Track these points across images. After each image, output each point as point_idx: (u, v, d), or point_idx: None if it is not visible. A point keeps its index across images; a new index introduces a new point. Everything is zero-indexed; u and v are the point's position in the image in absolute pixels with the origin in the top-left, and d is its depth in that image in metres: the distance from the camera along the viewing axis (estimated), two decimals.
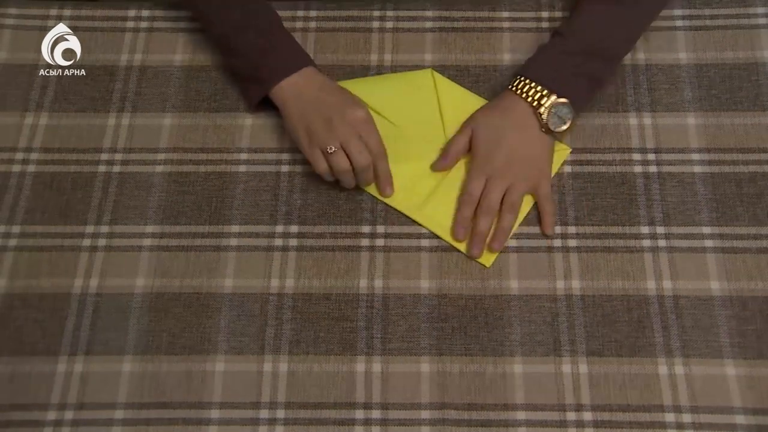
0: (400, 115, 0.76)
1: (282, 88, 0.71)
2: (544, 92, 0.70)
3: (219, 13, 0.74)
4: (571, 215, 0.72)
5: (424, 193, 0.73)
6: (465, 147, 0.73)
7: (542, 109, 0.70)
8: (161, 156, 0.75)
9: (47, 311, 0.68)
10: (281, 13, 0.81)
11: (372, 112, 0.72)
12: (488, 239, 0.70)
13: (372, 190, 0.73)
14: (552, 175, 0.72)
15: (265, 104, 0.74)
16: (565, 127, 0.70)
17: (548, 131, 0.71)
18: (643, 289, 0.68)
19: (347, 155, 0.68)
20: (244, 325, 0.68)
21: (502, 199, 0.70)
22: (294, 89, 0.71)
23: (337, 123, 0.68)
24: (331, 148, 0.68)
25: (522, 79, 0.72)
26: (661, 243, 0.70)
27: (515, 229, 0.71)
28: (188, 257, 0.71)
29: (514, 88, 0.72)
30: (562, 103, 0.70)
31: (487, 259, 0.70)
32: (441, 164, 0.73)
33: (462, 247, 0.70)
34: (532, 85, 0.70)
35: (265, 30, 0.73)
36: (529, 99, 0.70)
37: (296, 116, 0.70)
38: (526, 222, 0.71)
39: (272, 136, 0.76)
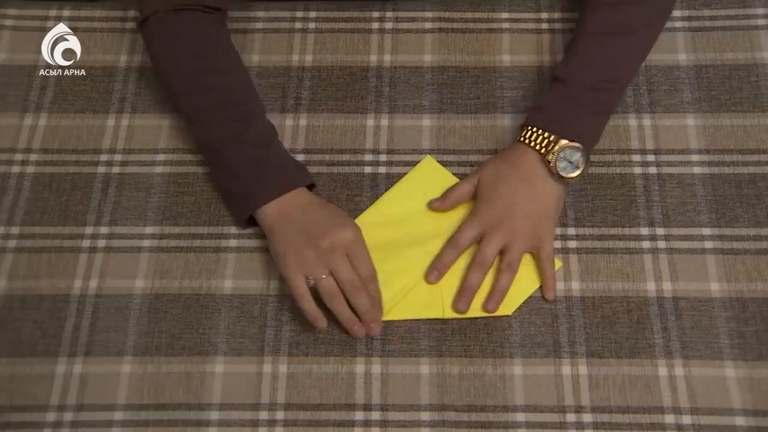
0: (403, 215, 0.72)
1: (266, 212, 0.67)
2: (551, 138, 0.66)
3: (209, 123, 0.69)
4: (570, 216, 0.72)
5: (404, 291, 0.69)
6: (468, 194, 0.70)
7: (551, 156, 0.66)
8: (160, 157, 0.75)
9: (46, 312, 0.68)
10: (281, 13, 0.82)
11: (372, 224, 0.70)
12: (485, 299, 0.67)
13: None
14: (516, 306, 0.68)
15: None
16: (577, 173, 0.66)
17: (560, 178, 0.67)
18: (643, 291, 0.68)
19: (337, 282, 0.64)
20: (244, 327, 0.68)
21: (502, 257, 0.67)
22: (278, 213, 0.67)
23: (325, 248, 0.64)
24: (314, 279, 0.64)
25: (529, 128, 0.68)
26: (661, 244, 0.70)
27: (530, 293, 0.68)
28: (188, 258, 0.71)
29: (522, 139, 0.68)
30: (573, 147, 0.66)
31: (508, 307, 0.67)
32: (438, 205, 0.70)
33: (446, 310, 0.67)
34: (539, 132, 0.67)
35: (255, 145, 0.69)
36: (538, 147, 0.67)
37: (283, 242, 0.65)
38: None
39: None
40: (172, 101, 0.74)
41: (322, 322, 0.64)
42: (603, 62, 0.69)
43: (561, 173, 0.66)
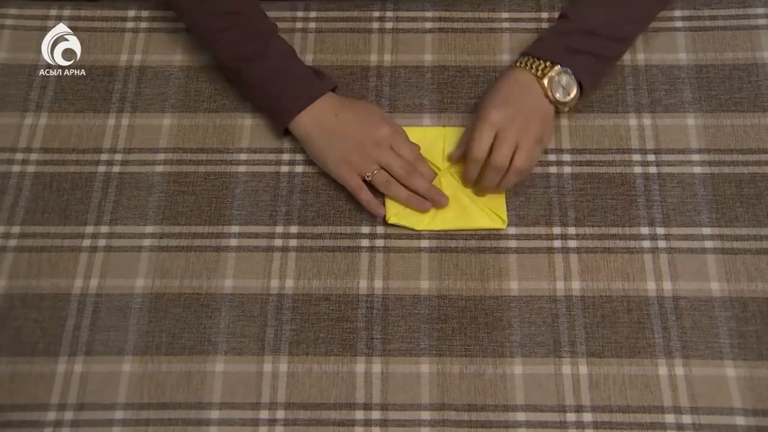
0: None
1: (298, 122, 0.71)
2: (547, 64, 0.70)
3: (228, 43, 0.73)
4: (571, 216, 0.72)
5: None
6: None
7: (545, 79, 0.69)
8: (161, 156, 0.75)
9: (47, 311, 0.68)
10: (281, 14, 0.82)
11: None
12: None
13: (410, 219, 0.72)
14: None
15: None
16: (570, 98, 0.70)
17: (553, 102, 0.70)
18: (643, 290, 0.68)
19: (388, 171, 0.70)
20: (244, 326, 0.68)
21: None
22: (313, 121, 0.71)
23: (368, 147, 0.70)
24: (369, 175, 0.69)
25: (526, 56, 0.72)
26: (661, 244, 0.70)
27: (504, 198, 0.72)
28: (188, 257, 0.71)
29: (519, 63, 0.72)
30: (564, 72, 0.70)
31: (500, 221, 0.71)
32: (460, 153, 0.73)
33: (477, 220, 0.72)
34: (536, 58, 0.71)
35: (277, 60, 0.73)
36: (533, 70, 0.70)
37: (326, 150, 0.71)
38: (526, 223, 0.71)
39: (272, 136, 0.76)
40: (186, 24, 0.79)
41: (382, 209, 0.71)
42: (609, 10, 0.72)
43: (555, 95, 0.70)
